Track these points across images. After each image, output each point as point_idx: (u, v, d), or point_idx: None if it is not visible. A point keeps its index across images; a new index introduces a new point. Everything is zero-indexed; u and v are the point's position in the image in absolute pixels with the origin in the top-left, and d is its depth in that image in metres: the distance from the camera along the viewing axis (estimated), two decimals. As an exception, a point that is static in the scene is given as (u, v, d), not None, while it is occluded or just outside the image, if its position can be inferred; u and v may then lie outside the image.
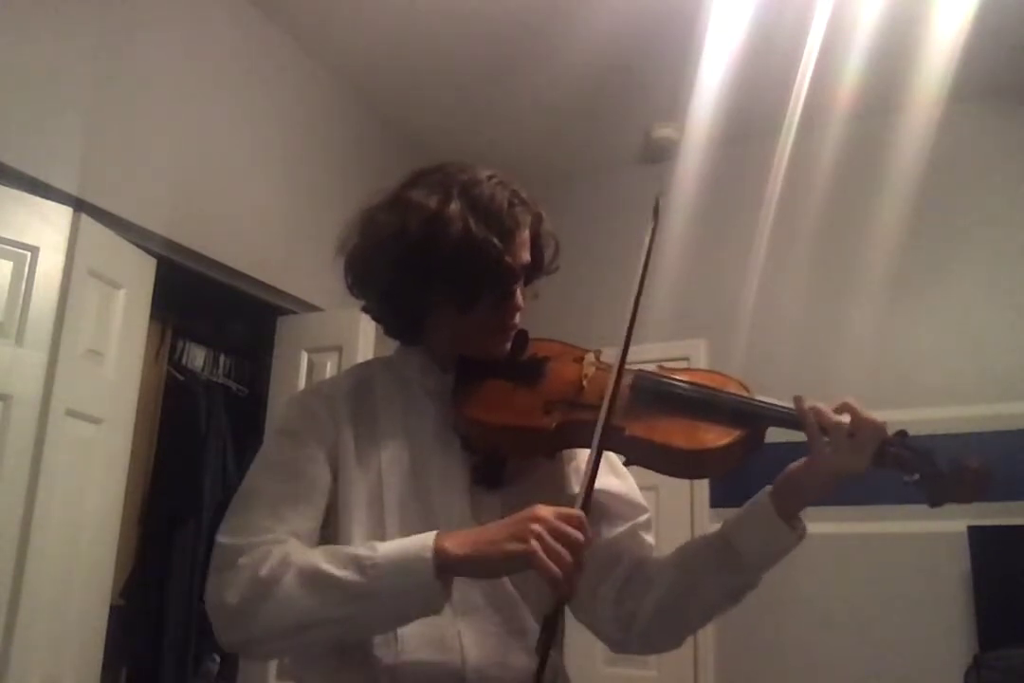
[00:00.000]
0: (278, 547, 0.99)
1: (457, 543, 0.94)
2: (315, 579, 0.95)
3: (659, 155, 3.98)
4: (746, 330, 3.66)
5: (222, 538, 1.03)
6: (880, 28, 3.06)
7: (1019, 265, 3.44)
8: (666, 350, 3.61)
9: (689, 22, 3.06)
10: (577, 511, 0.94)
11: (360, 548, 0.97)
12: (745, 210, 3.77)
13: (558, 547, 0.90)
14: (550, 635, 0.94)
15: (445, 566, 0.93)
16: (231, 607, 0.97)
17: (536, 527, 0.91)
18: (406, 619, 0.98)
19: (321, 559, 0.96)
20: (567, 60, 3.26)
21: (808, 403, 1.02)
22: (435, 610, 0.95)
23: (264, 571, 0.96)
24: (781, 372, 3.49)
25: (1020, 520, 2.89)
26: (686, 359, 3.84)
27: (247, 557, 0.98)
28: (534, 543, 0.90)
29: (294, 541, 1.01)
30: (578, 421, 1.05)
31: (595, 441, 1.00)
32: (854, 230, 3.60)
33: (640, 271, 1.08)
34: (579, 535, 0.91)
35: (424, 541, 0.94)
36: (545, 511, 0.93)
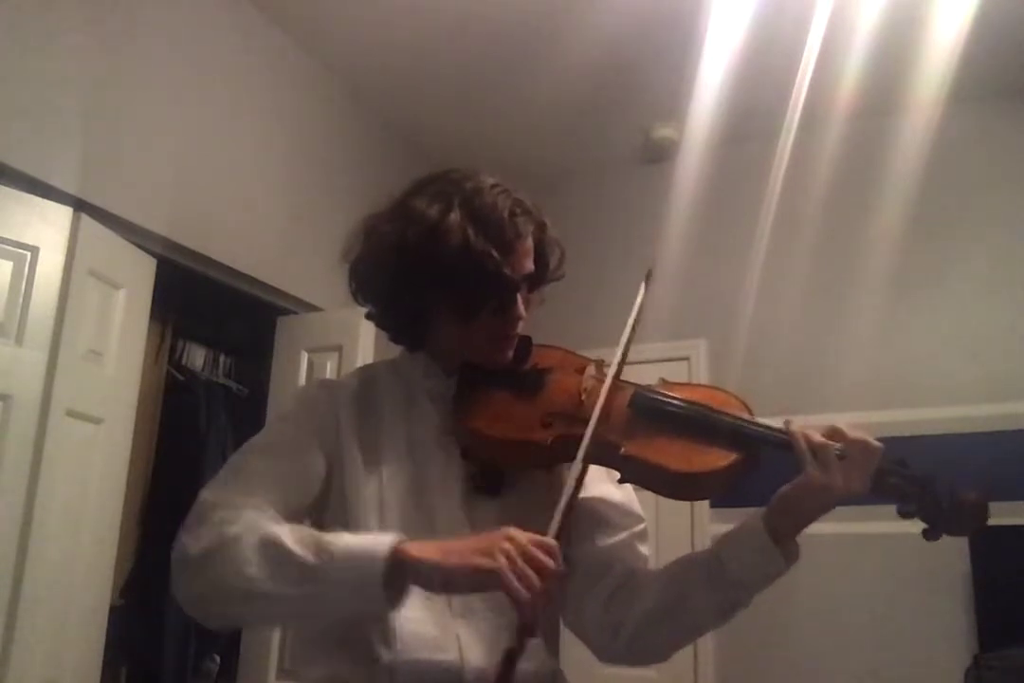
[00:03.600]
0: (255, 512, 0.98)
1: (420, 548, 0.90)
2: (272, 549, 0.93)
3: (659, 155, 3.99)
4: (746, 330, 3.66)
5: (205, 494, 1.02)
6: (880, 28, 3.06)
7: (1019, 265, 3.44)
8: (666, 350, 3.62)
9: (689, 22, 3.06)
10: (551, 540, 0.90)
11: (329, 534, 0.95)
12: (745, 210, 3.77)
13: (527, 569, 0.86)
14: (508, 669, 0.87)
15: (399, 566, 0.89)
16: (191, 558, 0.96)
17: (506, 546, 0.88)
18: (346, 613, 0.95)
19: (288, 533, 0.95)
20: (567, 60, 3.26)
21: (795, 426, 1.02)
22: (375, 609, 0.91)
23: (232, 530, 0.96)
24: (780, 372, 3.49)
25: (1020, 520, 2.89)
26: (686, 359, 3.84)
27: (222, 513, 0.98)
28: (502, 560, 0.86)
29: (273, 512, 1.00)
30: (574, 436, 1.04)
31: (576, 466, 0.99)
32: (854, 230, 3.60)
33: (626, 333, 1.11)
34: (550, 562, 0.88)
35: (387, 539, 0.91)
36: (518, 533, 0.90)
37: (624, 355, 1.11)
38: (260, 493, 1.02)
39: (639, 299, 1.15)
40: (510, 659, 0.87)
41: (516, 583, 0.85)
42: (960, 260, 3.53)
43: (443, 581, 0.89)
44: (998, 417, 3.25)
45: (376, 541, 0.91)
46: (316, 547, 0.92)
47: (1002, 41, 3.15)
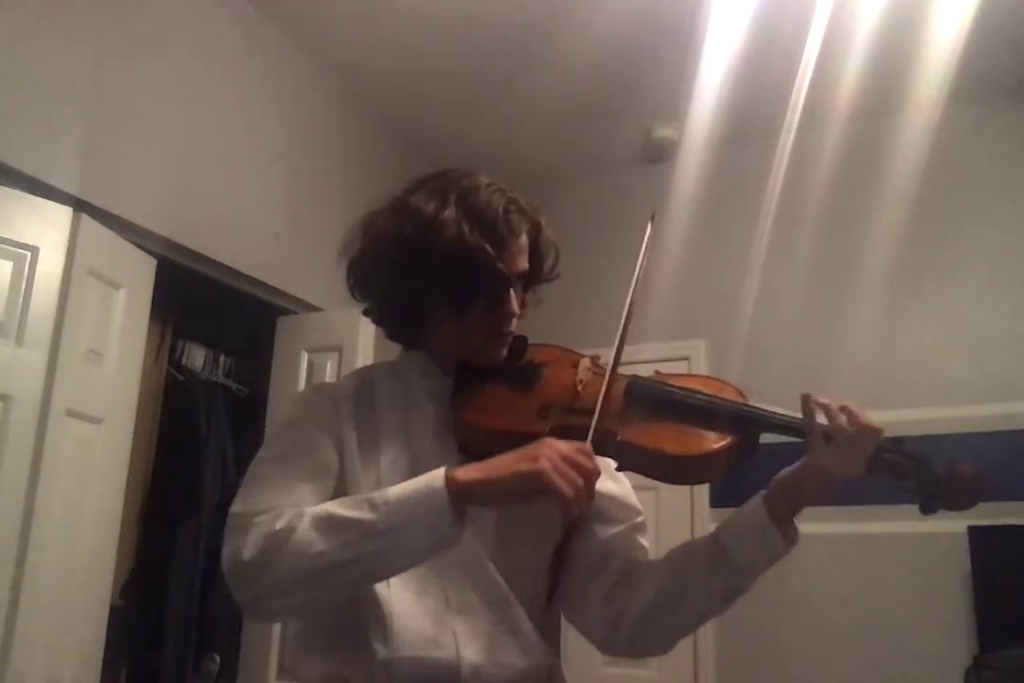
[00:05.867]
0: (292, 508, 1.00)
1: (467, 470, 0.96)
2: (329, 522, 0.95)
3: (659, 155, 3.99)
4: (746, 330, 3.67)
5: (236, 508, 1.03)
6: (880, 28, 3.06)
7: (1018, 265, 3.44)
8: (666, 350, 3.62)
9: (689, 22, 3.06)
10: (586, 445, 0.97)
11: (372, 493, 0.98)
12: (745, 210, 3.77)
13: (568, 469, 0.92)
14: (561, 561, 0.99)
15: (456, 491, 0.93)
16: (247, 562, 0.96)
17: (546, 451, 0.93)
18: (424, 553, 0.97)
19: (334, 505, 0.98)
20: (567, 60, 3.26)
21: (817, 399, 1.01)
22: (453, 539, 0.95)
23: (279, 524, 0.97)
24: (781, 372, 3.49)
25: (1020, 520, 2.88)
26: (686, 359, 3.84)
27: (259, 518, 0.99)
28: (544, 462, 0.92)
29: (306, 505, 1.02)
30: (571, 426, 1.06)
31: (598, 405, 1.03)
32: (854, 230, 3.60)
33: (634, 279, 1.10)
34: (589, 462, 0.94)
35: (435, 473, 0.96)
36: (555, 441, 0.96)
37: (627, 325, 1.10)
38: (289, 493, 1.03)
39: (645, 241, 1.13)
40: (559, 556, 0.97)
41: (559, 481, 0.91)
42: (960, 260, 3.53)
43: (495, 493, 0.95)
44: (998, 417, 3.25)
45: (428, 477, 0.95)
46: (369, 504, 0.95)
47: (1002, 41, 3.15)
